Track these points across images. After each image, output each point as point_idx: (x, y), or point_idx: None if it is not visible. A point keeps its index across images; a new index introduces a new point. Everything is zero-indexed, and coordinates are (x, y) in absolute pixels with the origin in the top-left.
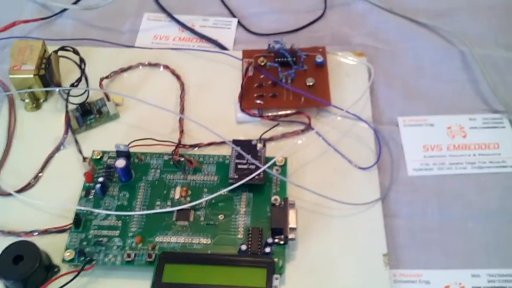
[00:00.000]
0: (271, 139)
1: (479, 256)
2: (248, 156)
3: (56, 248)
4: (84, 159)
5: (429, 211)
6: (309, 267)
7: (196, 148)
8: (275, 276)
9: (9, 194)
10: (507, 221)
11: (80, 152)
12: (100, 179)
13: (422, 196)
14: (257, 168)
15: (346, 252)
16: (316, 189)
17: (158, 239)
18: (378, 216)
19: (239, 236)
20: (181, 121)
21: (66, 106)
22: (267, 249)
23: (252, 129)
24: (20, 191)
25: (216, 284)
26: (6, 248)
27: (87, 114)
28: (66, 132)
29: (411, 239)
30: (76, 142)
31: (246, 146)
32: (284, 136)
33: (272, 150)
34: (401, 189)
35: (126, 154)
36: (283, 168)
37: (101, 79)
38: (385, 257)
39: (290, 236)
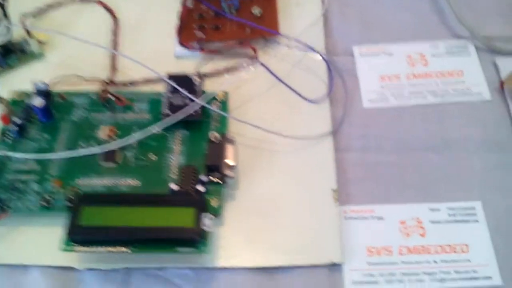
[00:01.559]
0: (213, 74)
1: (439, 189)
2: (182, 90)
3: None
4: (0, 100)
5: (385, 144)
6: (253, 206)
7: (129, 86)
8: (206, 215)
9: None
10: (469, 152)
11: None
12: (17, 121)
13: (378, 128)
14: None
15: (292, 189)
16: (262, 125)
17: (80, 182)
18: (328, 150)
19: (172, 176)
20: (113, 57)
21: None
22: (200, 188)
23: (193, 64)
24: None
25: (139, 226)
26: None
27: (9, 54)
28: None
29: (364, 173)
30: None
31: (183, 81)
32: (227, 70)
33: (214, 85)
34: (355, 122)
35: (46, 93)
36: (224, 103)
37: (24, 16)
38: (335, 192)
39: (228, 173)
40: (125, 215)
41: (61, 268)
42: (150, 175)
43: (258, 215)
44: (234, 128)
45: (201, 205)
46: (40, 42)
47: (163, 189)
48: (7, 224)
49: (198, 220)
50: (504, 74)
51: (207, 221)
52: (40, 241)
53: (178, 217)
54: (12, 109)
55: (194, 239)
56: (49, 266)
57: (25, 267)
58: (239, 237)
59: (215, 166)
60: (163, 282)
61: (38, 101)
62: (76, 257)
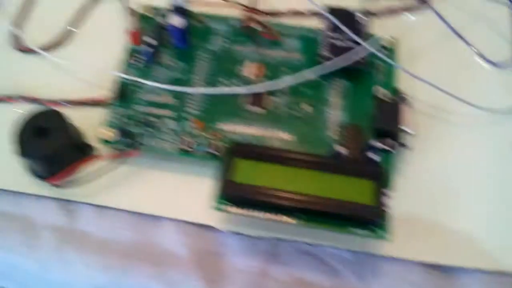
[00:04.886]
0: (373, 14)
1: None
2: (347, 29)
3: (90, 124)
4: (133, 12)
5: None
6: (425, 187)
7: (274, 17)
8: (386, 192)
9: (34, 52)
10: None
11: (127, 5)
12: (151, 41)
13: None
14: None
15: (477, 174)
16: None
17: (224, 127)
18: None
19: (331, 135)
20: None
21: None
22: (373, 156)
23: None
24: (47, 49)
25: (311, 194)
26: (29, 118)
27: None
28: None
29: None
30: None
31: (343, 18)
32: (391, 11)
33: (375, 30)
34: None
35: (183, 12)
36: (392, 52)
37: None
38: None
39: (405, 142)
40: (290, 177)
41: (198, 225)
42: (305, 129)
43: (432, 198)
44: (401, 84)
45: (379, 178)
46: None
47: (321, 150)
48: (133, 163)
49: (378, 197)
50: None
51: (386, 199)
52: (175, 190)
53: (355, 191)
54: (142, 27)
55: (374, 221)
56: (186, 222)
57: (156, 218)
58: (408, 223)
59: (389, 132)
60: (315, 260)
61: (178, 21)
62: (218, 217)
